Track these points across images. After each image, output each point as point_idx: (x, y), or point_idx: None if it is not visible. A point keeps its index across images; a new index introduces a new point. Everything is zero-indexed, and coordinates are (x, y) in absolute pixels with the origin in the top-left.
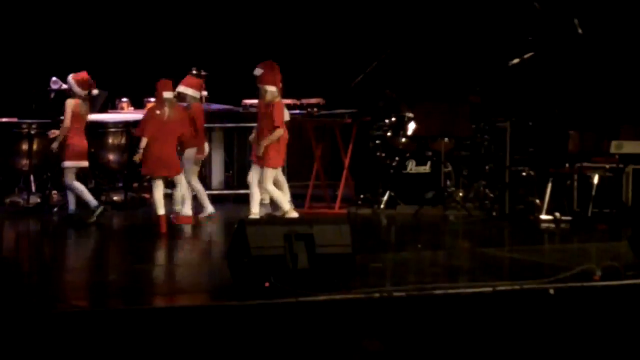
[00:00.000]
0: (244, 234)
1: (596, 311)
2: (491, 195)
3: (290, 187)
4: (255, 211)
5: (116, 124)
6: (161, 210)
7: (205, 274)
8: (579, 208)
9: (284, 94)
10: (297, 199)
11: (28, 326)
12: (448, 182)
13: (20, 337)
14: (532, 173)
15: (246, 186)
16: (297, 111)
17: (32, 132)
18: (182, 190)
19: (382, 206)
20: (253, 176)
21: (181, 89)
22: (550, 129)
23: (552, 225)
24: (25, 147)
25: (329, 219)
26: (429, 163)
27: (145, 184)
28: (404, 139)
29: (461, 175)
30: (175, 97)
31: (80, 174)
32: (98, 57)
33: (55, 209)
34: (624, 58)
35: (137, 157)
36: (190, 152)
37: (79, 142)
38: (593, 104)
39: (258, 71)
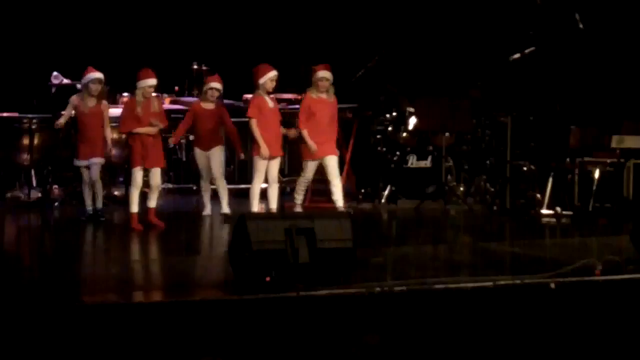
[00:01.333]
0: (245, 228)
1: (597, 306)
2: (492, 189)
3: (292, 182)
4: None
5: (117, 118)
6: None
7: (206, 269)
8: (580, 203)
9: (286, 89)
10: None
11: (30, 321)
12: (449, 177)
13: (22, 332)
14: (533, 168)
15: (247, 181)
16: (298, 106)
17: (33, 127)
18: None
19: (383, 201)
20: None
21: (217, 85)
22: (551, 124)
23: (553, 220)
24: (26, 142)
25: (330, 213)
26: (429, 158)
27: (145, 178)
28: (405, 134)
29: (462, 170)
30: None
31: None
32: (99, 52)
33: (56, 204)
34: (625, 53)
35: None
36: (220, 150)
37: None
38: (594, 98)
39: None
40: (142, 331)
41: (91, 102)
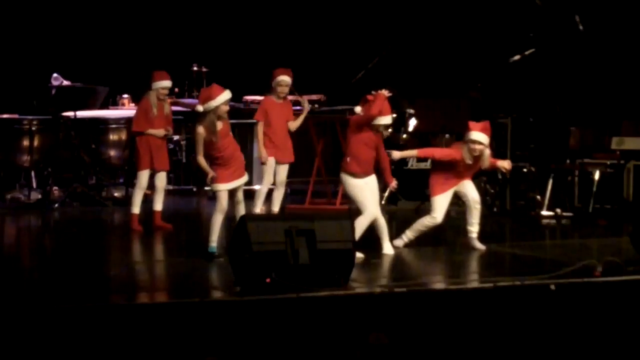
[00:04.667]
0: (245, 229)
1: (597, 307)
2: (492, 191)
3: (292, 183)
4: None
5: (117, 120)
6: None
7: (206, 270)
8: (580, 204)
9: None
10: (298, 195)
11: (30, 322)
12: None
13: (21, 333)
14: (533, 169)
15: (249, 182)
16: (298, 107)
17: (33, 128)
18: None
19: (383, 202)
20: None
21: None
22: (551, 125)
23: (553, 221)
24: (26, 143)
25: (330, 214)
26: (430, 159)
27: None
28: (405, 135)
29: None
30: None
31: None
32: (99, 53)
33: (56, 205)
34: (624, 54)
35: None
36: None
37: None
38: (594, 100)
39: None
40: (140, 332)
41: (220, 125)
